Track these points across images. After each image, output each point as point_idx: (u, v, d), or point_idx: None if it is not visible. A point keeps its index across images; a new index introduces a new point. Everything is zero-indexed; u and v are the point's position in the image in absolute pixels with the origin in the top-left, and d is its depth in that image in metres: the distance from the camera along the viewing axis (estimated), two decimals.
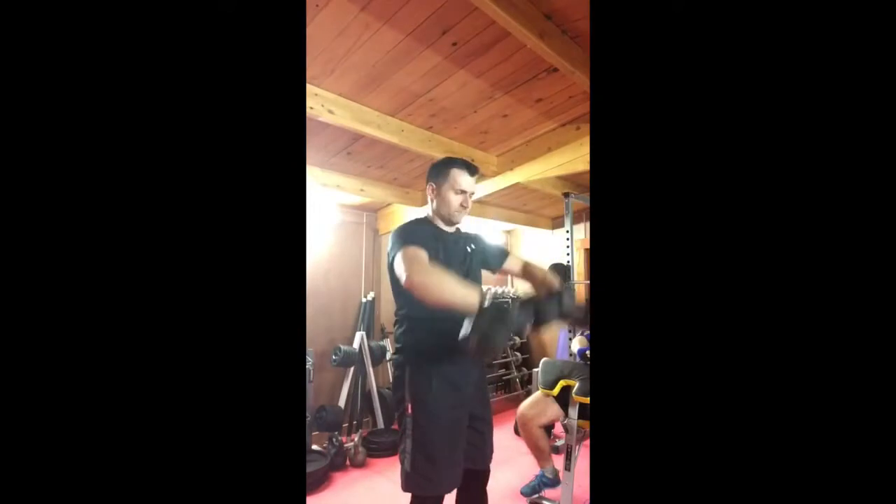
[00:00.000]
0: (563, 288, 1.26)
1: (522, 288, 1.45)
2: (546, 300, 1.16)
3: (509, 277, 4.60)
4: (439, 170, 1.32)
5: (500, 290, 4.20)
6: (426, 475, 1.16)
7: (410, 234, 1.22)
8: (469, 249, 1.38)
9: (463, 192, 1.30)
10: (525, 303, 1.10)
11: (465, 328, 0.98)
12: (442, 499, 1.20)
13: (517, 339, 4.28)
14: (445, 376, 1.20)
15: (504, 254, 1.50)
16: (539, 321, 1.11)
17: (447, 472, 1.19)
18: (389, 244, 1.24)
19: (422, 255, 1.13)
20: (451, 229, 1.36)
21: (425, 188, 1.37)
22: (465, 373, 1.24)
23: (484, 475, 1.34)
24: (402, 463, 1.19)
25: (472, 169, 1.32)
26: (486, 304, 0.99)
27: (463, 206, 1.30)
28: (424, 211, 1.39)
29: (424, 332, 1.20)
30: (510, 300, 1.05)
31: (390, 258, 1.20)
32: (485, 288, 1.18)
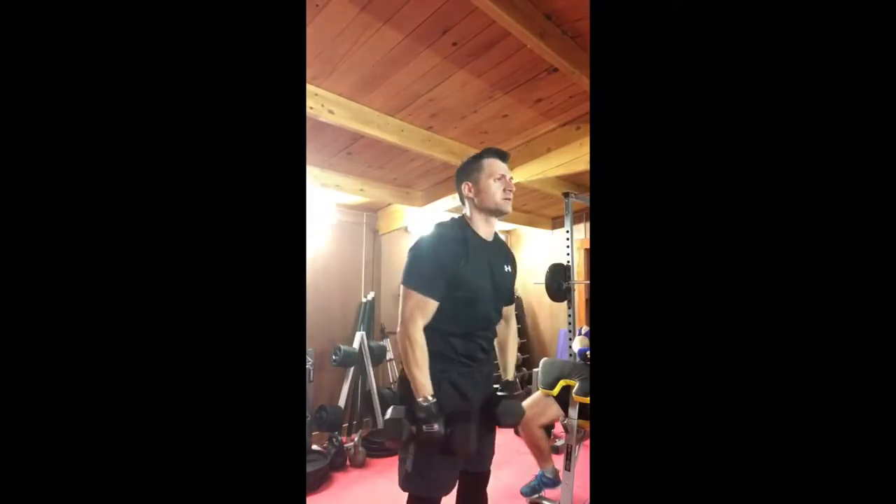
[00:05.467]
0: (503, 403, 1.26)
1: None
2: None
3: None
4: (471, 166, 1.28)
5: None
6: (426, 476, 1.16)
7: (428, 264, 1.17)
8: (507, 270, 1.32)
9: (503, 176, 1.25)
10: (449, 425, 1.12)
11: (389, 411, 1.12)
12: (439, 500, 1.20)
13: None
14: (451, 378, 1.19)
15: (513, 299, 1.44)
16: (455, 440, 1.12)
17: (446, 475, 1.18)
18: (407, 256, 1.20)
19: (423, 309, 1.15)
20: (489, 237, 1.29)
21: (460, 190, 1.30)
22: (470, 376, 1.24)
23: (484, 476, 1.34)
24: (404, 462, 1.19)
25: (503, 155, 1.29)
26: (426, 403, 1.10)
27: (507, 190, 1.25)
28: (460, 211, 1.32)
29: (432, 334, 1.20)
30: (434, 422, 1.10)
31: (403, 277, 1.18)
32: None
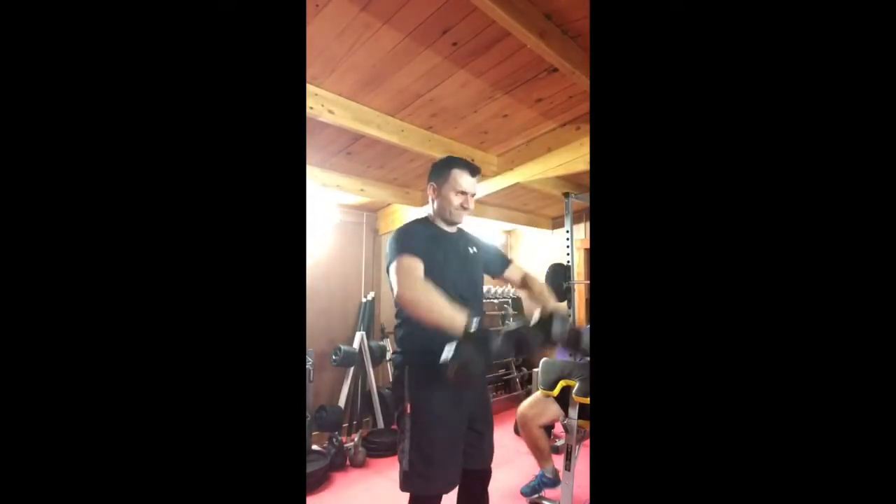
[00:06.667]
0: (554, 313, 1.20)
1: (525, 304, 1.46)
2: (535, 328, 1.11)
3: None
4: (440, 170, 1.32)
5: (499, 290, 4.21)
6: (424, 475, 1.16)
7: (407, 240, 1.21)
8: (471, 251, 1.36)
9: (464, 192, 1.29)
10: (511, 332, 1.08)
11: (447, 352, 1.00)
12: (440, 499, 1.20)
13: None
14: (445, 377, 1.19)
15: (506, 261, 1.49)
16: (524, 350, 1.09)
17: (445, 472, 1.18)
18: (387, 248, 1.23)
19: (416, 267, 1.15)
20: (452, 230, 1.35)
21: (426, 188, 1.37)
22: None
23: (485, 475, 1.34)
24: (401, 462, 1.19)
25: (473, 169, 1.31)
26: (474, 327, 1.02)
27: (464, 206, 1.29)
28: (426, 211, 1.39)
29: (425, 332, 1.20)
30: (498, 329, 1.07)
31: (387, 264, 1.21)
32: (485, 289, 1.17)
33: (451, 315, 1.06)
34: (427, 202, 1.37)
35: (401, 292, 1.12)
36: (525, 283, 1.46)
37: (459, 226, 1.38)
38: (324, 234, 3.29)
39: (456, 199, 1.28)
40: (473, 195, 1.32)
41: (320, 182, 2.66)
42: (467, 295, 1.29)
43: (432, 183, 1.33)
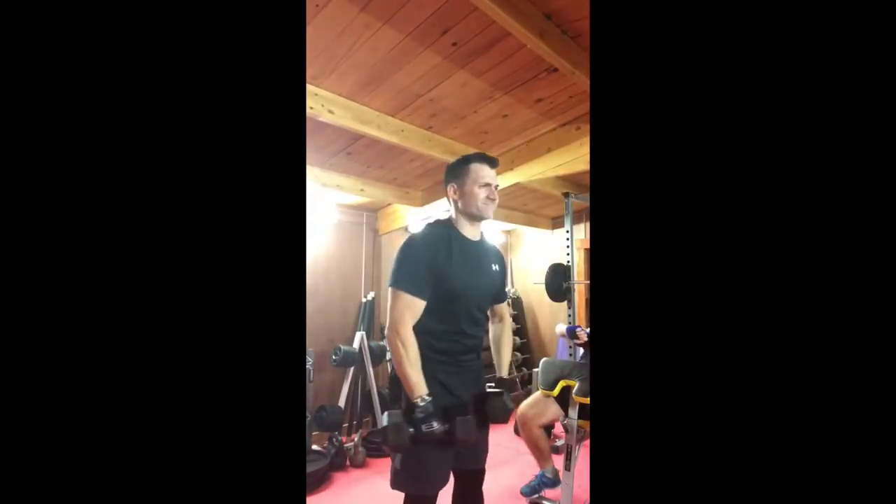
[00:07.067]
0: (494, 396, 1.26)
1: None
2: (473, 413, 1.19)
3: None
4: (457, 169, 1.29)
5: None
6: (414, 474, 1.16)
7: (414, 266, 1.17)
8: (494, 268, 1.33)
9: (487, 184, 1.25)
10: (457, 420, 1.12)
11: (384, 419, 1.10)
12: (435, 498, 1.20)
13: (518, 355, 4.27)
14: (439, 377, 1.19)
15: (505, 295, 1.47)
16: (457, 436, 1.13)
17: (435, 472, 1.18)
18: (395, 257, 1.20)
19: (408, 316, 1.16)
20: (475, 237, 1.30)
21: (447, 191, 1.31)
22: (458, 375, 1.24)
23: (479, 475, 1.33)
24: (393, 461, 1.19)
25: (491, 161, 1.29)
26: (421, 403, 1.10)
27: (490, 198, 1.26)
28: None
29: (422, 334, 1.20)
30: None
31: (390, 280, 1.19)
32: None
33: (411, 380, 1.12)
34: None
35: (388, 331, 1.17)
36: (500, 321, 1.47)
37: (483, 234, 1.34)
38: (323, 233, 3.29)
39: (481, 193, 1.25)
40: (497, 186, 1.29)
41: (320, 182, 2.66)
42: (478, 313, 1.28)
43: (452, 184, 1.29)
